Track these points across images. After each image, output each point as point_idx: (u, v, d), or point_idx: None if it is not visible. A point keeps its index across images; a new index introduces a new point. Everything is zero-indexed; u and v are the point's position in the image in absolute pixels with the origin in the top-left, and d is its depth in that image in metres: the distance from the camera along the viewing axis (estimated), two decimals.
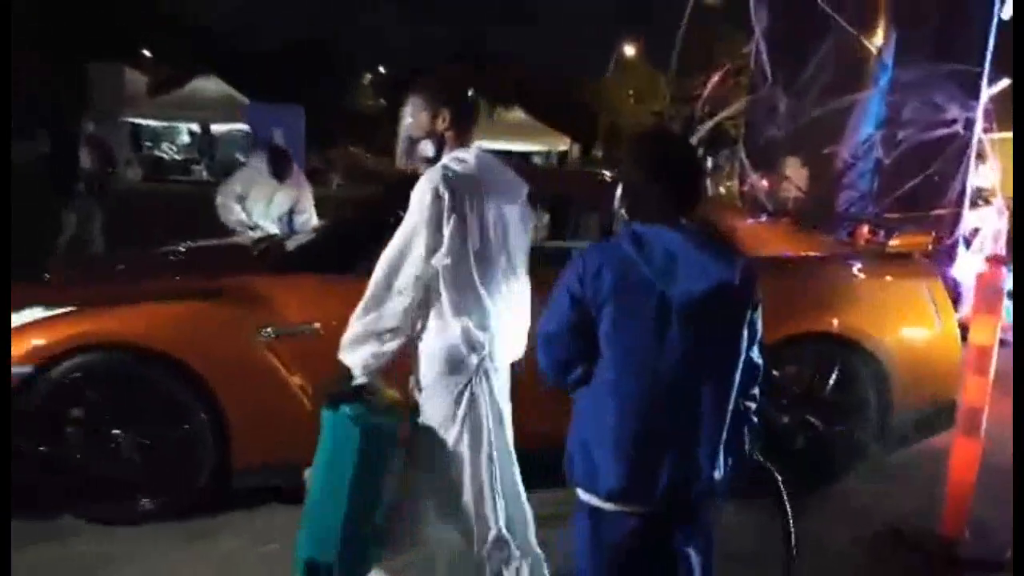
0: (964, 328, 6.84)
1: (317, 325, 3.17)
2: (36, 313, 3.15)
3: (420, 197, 2.28)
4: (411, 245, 2.27)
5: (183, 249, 4.39)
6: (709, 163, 13.21)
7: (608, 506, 1.96)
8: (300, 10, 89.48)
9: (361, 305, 2.32)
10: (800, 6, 8.57)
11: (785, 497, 2.46)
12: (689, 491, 1.95)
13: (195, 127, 28.67)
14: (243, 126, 27.46)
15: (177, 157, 29.05)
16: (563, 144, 32.30)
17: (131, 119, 27.17)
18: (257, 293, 3.26)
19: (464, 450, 2.38)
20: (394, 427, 2.36)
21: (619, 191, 2.07)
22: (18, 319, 3.09)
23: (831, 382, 3.79)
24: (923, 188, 7.74)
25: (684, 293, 1.87)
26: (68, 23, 32.68)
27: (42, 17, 29.35)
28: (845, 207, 8.22)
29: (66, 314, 3.16)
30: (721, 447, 1.96)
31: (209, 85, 27.77)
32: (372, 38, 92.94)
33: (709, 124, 10.88)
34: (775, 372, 3.64)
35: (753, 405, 2.07)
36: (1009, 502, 3.31)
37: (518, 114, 32.91)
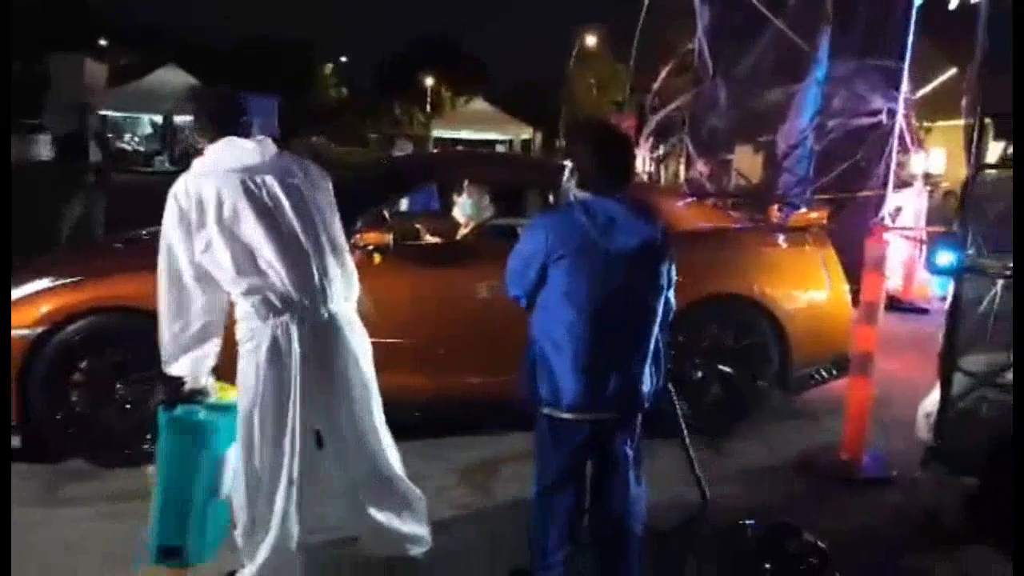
0: (892, 298, 7.48)
1: None
2: (45, 283, 3.68)
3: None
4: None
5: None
6: (660, 150, 13.88)
7: (568, 416, 2.49)
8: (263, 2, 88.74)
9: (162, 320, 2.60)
10: (740, 3, 9.19)
11: (681, 416, 3.11)
12: (629, 401, 2.52)
13: (157, 118, 28.58)
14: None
15: (140, 148, 28.97)
16: (526, 133, 32.86)
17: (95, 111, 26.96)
18: None
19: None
20: (208, 422, 2.61)
21: (568, 170, 2.60)
22: (31, 288, 3.61)
23: (737, 335, 4.43)
24: (850, 172, 8.42)
25: (621, 247, 2.44)
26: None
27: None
28: (784, 190, 8.88)
29: (77, 282, 3.71)
30: (648, 367, 2.55)
31: (171, 76, 27.72)
32: (334, 27, 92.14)
33: (660, 115, 11.51)
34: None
35: (665, 336, 2.66)
36: (897, 429, 4.00)
37: (482, 104, 33.38)
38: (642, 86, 14.45)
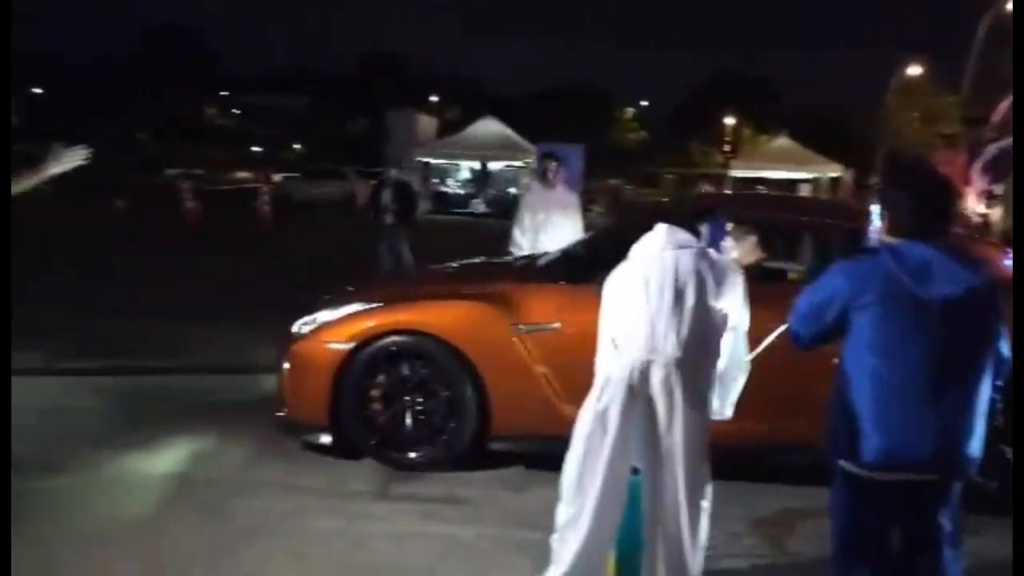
0: None
1: (557, 324, 3.92)
2: (357, 307, 4.27)
3: None
4: None
5: (457, 265, 5.44)
6: (999, 189, 12.13)
7: (871, 474, 2.25)
8: (565, 54, 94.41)
9: None
10: None
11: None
12: (948, 463, 2.26)
13: (475, 164, 31.49)
14: (516, 163, 29.92)
15: (459, 192, 32.13)
16: (834, 171, 30.78)
17: (423, 159, 30.57)
18: (513, 297, 4.08)
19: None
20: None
21: (877, 212, 2.45)
22: (345, 310, 4.23)
23: None
24: None
25: (936, 295, 2.23)
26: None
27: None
28: None
29: (379, 308, 4.25)
30: (975, 426, 2.27)
31: (489, 126, 30.48)
32: (632, 73, 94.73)
33: (995, 146, 10.15)
34: None
35: (998, 396, 2.37)
36: None
37: (785, 141, 32.01)
38: (976, 118, 12.91)
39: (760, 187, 26.57)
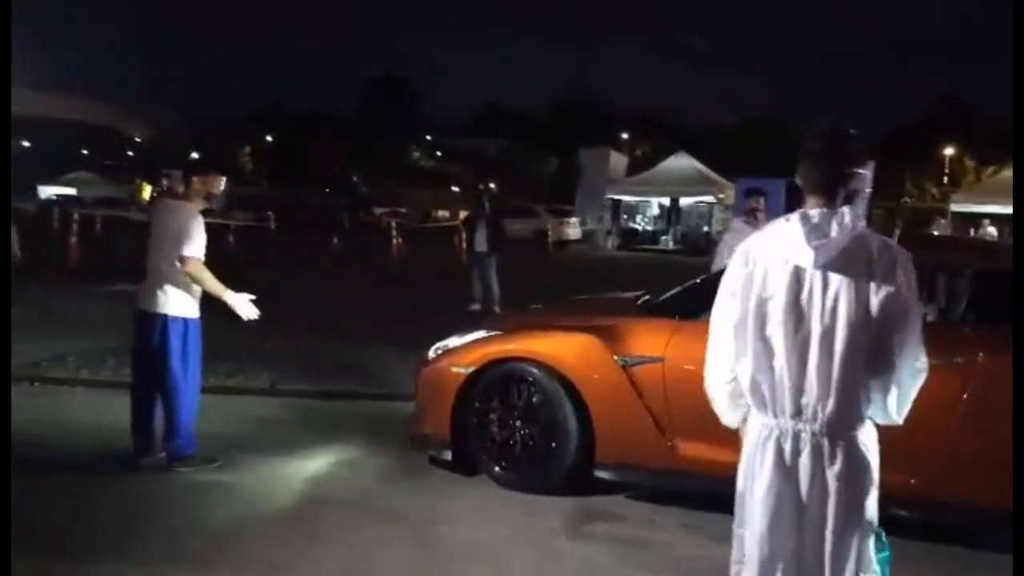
0: None
1: (663, 357, 3.93)
2: (480, 335, 4.58)
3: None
4: None
5: (585, 298, 5.52)
6: None
7: None
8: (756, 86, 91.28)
9: None
10: None
11: None
12: None
13: (665, 201, 31.27)
14: (708, 198, 29.36)
15: (648, 228, 32.01)
16: None
17: (613, 196, 30.84)
18: (622, 331, 4.16)
19: None
20: None
21: None
22: (470, 337, 4.55)
23: None
24: None
25: None
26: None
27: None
28: None
29: (497, 336, 4.53)
30: None
31: (681, 162, 30.23)
32: (831, 102, 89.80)
33: None
34: None
35: None
36: None
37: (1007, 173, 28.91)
38: None
39: (986, 221, 24.12)
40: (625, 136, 49.57)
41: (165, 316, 4.24)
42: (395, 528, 3.73)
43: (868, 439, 2.15)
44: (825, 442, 2.09)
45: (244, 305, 4.28)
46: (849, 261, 2.07)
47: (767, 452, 2.15)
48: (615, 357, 4.03)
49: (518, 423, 4.26)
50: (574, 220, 31.91)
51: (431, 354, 4.65)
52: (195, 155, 48.92)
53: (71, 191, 45.25)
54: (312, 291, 12.23)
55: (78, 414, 5.37)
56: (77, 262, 15.07)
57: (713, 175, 29.79)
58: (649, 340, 4.05)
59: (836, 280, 2.07)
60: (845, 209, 2.09)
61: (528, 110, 65.94)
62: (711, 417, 3.17)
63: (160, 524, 3.65)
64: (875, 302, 2.06)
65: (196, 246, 4.23)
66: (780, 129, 49.03)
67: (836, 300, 2.07)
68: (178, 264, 4.20)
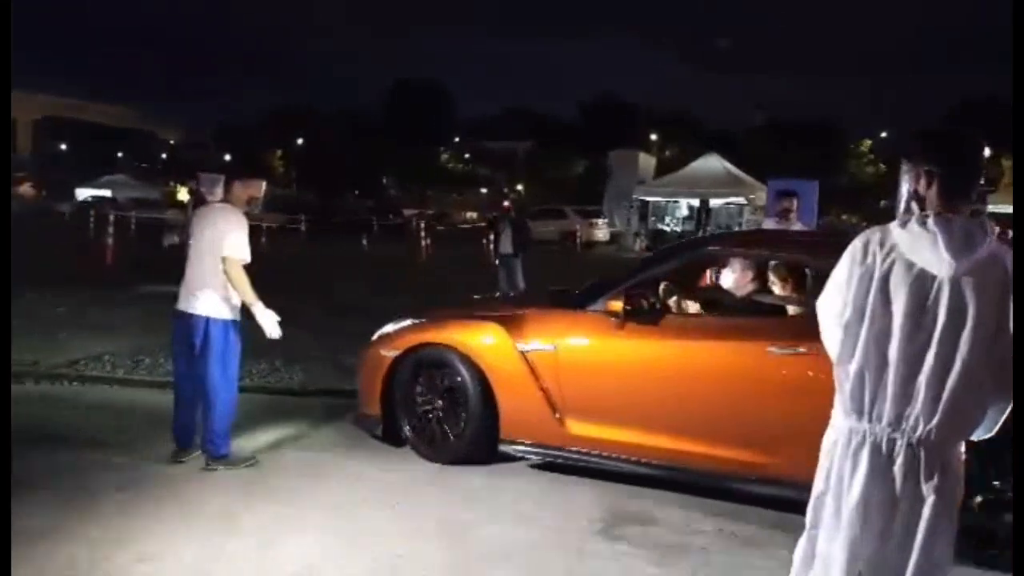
0: None
1: (553, 346, 4.32)
2: (408, 322, 4.93)
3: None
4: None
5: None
6: None
7: None
8: (787, 87, 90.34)
9: None
10: None
11: None
12: None
13: (694, 201, 31.04)
14: (737, 199, 29.09)
15: (676, 229, 31.81)
16: None
17: (641, 197, 30.69)
18: (524, 321, 4.51)
19: None
20: None
21: None
22: (400, 325, 4.91)
23: None
24: None
25: None
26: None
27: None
28: None
29: (421, 324, 4.88)
30: None
31: (711, 163, 29.99)
32: (872, 101, 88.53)
33: None
34: None
35: None
36: None
37: None
38: None
39: None
40: (654, 137, 49.32)
41: (206, 318, 4.31)
42: (425, 528, 3.73)
43: (961, 452, 2.10)
44: (922, 454, 2.02)
45: (270, 323, 4.34)
46: (984, 274, 1.97)
47: (860, 459, 2.09)
48: (516, 344, 4.40)
49: (437, 402, 4.66)
50: (602, 221, 31.84)
51: (373, 339, 5.02)
52: (227, 157, 49.73)
53: (106, 193, 45.99)
54: (343, 291, 12.32)
55: (115, 412, 5.45)
56: (113, 262, 15.34)
57: (744, 176, 29.51)
58: (545, 329, 4.41)
59: (968, 293, 1.97)
60: (985, 219, 2.02)
61: (555, 112, 66.03)
62: (596, 400, 4.19)
63: (197, 522, 3.69)
64: (1007, 319, 1.97)
65: (240, 248, 4.29)
66: (810, 131, 48.53)
67: (964, 314, 1.97)
68: (220, 264, 4.27)
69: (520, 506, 4.02)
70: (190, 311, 4.33)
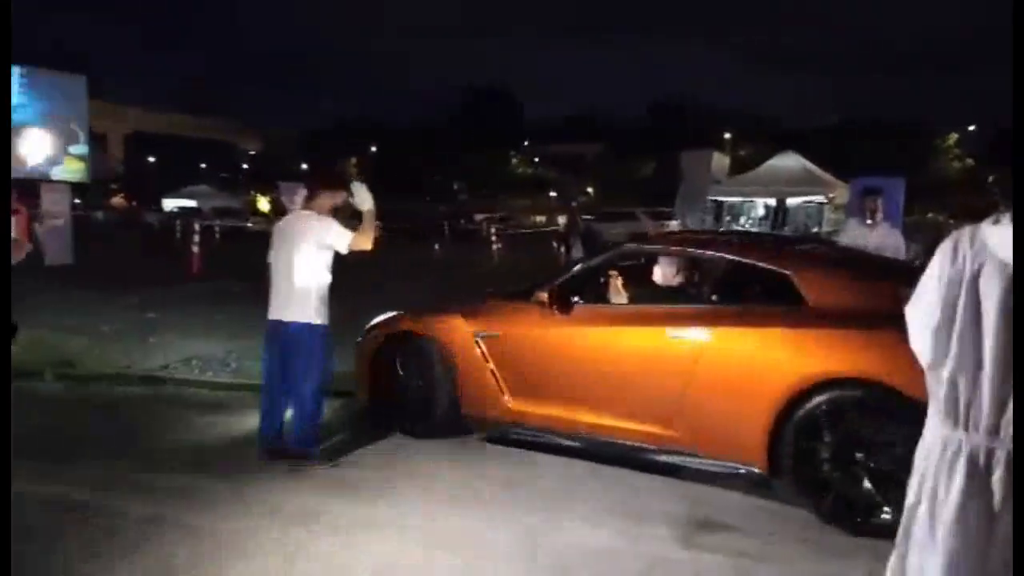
0: None
1: (499, 333, 4.84)
2: (392, 314, 5.48)
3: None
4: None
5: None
6: None
7: None
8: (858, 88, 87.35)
9: None
10: None
11: None
12: None
13: (771, 201, 30.28)
14: (817, 198, 28.23)
15: (753, 229, 31.08)
16: None
17: (715, 197, 30.14)
18: (481, 311, 5.03)
19: None
20: None
21: None
22: (386, 316, 5.46)
23: None
24: None
25: None
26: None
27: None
28: None
29: (402, 315, 5.42)
30: None
31: (788, 161, 29.21)
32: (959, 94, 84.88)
33: None
34: None
35: None
36: None
37: None
38: None
39: None
40: (727, 136, 48.38)
41: (296, 323, 4.47)
42: (498, 530, 3.74)
43: None
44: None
45: (366, 198, 4.57)
46: None
47: (956, 470, 2.00)
48: (472, 331, 4.92)
49: (413, 382, 5.19)
50: (674, 223, 31.34)
51: (364, 329, 5.50)
52: (304, 166, 51.10)
53: (191, 203, 47.86)
54: (418, 293, 12.50)
55: (200, 412, 5.65)
56: (200, 270, 15.95)
57: (823, 174, 28.63)
58: (494, 318, 4.95)
59: None
60: None
61: (624, 113, 65.57)
62: (528, 380, 4.73)
63: (280, 520, 3.79)
64: None
65: (343, 233, 4.50)
66: (893, 128, 46.78)
67: None
68: (312, 271, 4.49)
69: (593, 512, 3.98)
70: (280, 318, 4.49)
